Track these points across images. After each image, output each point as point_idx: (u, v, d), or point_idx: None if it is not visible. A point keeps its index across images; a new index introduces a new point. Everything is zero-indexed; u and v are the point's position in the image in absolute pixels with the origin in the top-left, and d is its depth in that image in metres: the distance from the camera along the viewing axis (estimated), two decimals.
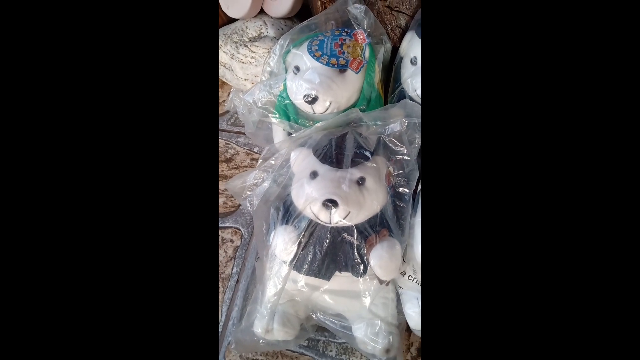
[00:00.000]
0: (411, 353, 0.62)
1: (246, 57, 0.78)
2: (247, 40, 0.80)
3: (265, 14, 0.83)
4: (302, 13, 0.83)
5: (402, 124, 0.52)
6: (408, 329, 0.59)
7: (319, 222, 0.50)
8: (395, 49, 0.66)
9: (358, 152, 0.51)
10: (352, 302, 0.54)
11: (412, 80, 0.57)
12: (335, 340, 0.62)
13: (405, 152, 0.52)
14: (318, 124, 0.56)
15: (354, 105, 0.58)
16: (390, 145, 0.53)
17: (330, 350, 0.62)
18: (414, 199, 0.54)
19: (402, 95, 0.60)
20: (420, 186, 0.54)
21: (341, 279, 0.53)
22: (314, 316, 0.58)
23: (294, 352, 0.62)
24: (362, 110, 0.57)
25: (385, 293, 0.56)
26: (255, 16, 0.82)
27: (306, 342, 0.62)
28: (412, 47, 0.58)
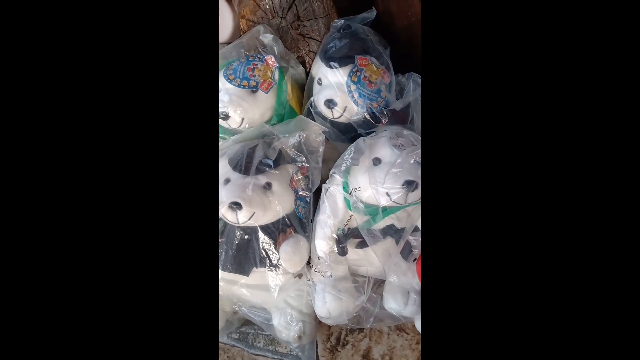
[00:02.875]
0: (331, 342, 0.68)
1: None
2: None
3: None
4: None
5: (300, 136, 0.60)
6: None
7: (228, 222, 0.58)
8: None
9: (263, 161, 0.59)
10: (269, 295, 0.61)
11: (316, 98, 0.65)
12: (264, 333, 0.68)
13: (304, 160, 0.60)
14: (233, 137, 0.64)
15: (268, 121, 0.66)
16: (291, 154, 0.61)
17: (259, 342, 0.68)
18: (315, 201, 0.62)
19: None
20: (323, 189, 0.62)
21: (257, 274, 0.60)
22: (239, 309, 0.64)
23: (225, 344, 0.69)
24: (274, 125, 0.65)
25: (300, 285, 0.63)
26: None
27: (237, 335, 0.69)
28: (319, 70, 0.67)
